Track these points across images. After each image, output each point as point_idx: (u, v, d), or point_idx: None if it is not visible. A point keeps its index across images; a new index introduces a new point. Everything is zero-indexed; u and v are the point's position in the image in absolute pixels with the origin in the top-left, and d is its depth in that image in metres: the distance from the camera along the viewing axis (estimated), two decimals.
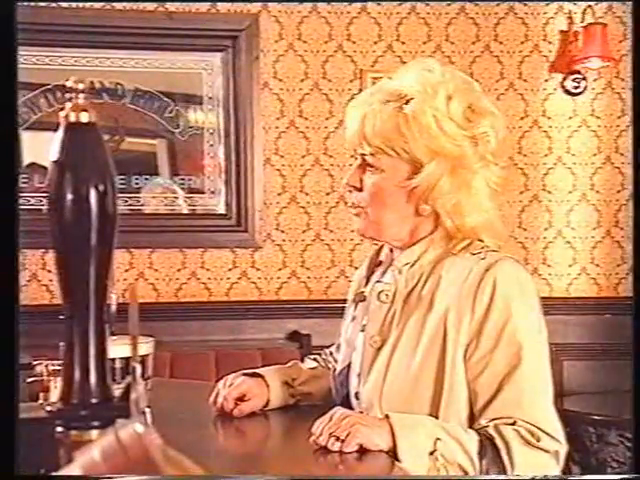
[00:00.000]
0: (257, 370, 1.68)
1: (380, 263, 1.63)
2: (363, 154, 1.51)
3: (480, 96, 1.54)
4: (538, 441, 1.37)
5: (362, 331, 1.56)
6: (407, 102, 1.47)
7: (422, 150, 1.46)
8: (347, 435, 1.30)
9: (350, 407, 1.53)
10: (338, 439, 1.30)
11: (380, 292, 1.54)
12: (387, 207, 1.51)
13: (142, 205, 3.46)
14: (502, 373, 1.40)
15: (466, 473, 1.34)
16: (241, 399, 1.59)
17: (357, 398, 1.54)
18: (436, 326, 1.44)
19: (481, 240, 1.51)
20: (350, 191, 1.56)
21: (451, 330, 1.42)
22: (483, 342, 1.42)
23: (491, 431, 1.37)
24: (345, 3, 3.53)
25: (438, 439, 1.33)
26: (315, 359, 1.81)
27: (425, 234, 1.53)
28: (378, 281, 1.57)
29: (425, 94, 1.47)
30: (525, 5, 3.63)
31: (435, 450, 1.32)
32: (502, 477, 1.35)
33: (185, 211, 3.53)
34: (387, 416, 1.36)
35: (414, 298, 1.49)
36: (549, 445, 1.38)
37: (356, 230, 1.59)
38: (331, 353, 1.79)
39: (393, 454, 1.31)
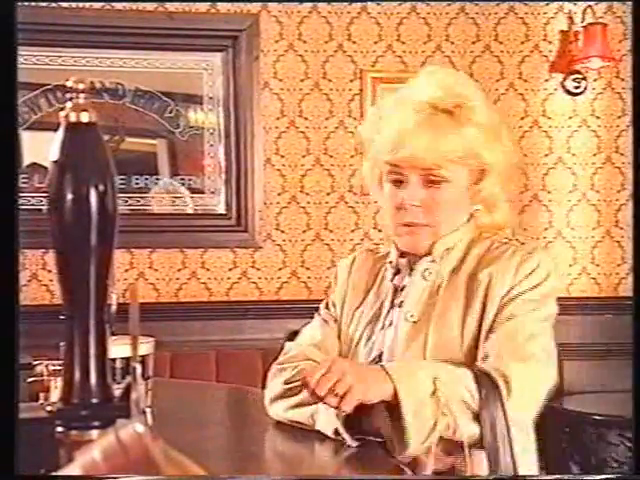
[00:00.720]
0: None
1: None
2: (429, 170, 1.49)
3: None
4: (530, 344, 1.41)
5: (399, 307, 1.55)
6: (465, 110, 1.49)
7: (493, 156, 1.51)
8: (345, 392, 1.30)
9: None
10: (337, 395, 1.30)
11: (424, 270, 1.55)
12: (449, 216, 1.54)
13: (142, 205, 3.46)
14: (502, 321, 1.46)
15: (470, 409, 1.35)
16: None
17: None
18: (476, 301, 1.48)
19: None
20: (412, 207, 1.53)
21: (489, 304, 1.46)
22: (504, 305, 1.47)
23: (485, 367, 1.40)
24: (345, 3, 3.52)
25: (436, 378, 1.34)
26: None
27: (459, 225, 1.57)
28: (421, 259, 1.56)
29: (481, 101, 1.52)
30: (525, 5, 3.62)
31: (436, 389, 1.33)
32: (506, 476, 1.34)
33: (190, 211, 3.53)
34: (382, 367, 1.36)
35: (455, 275, 1.52)
36: (541, 356, 1.43)
37: (409, 249, 1.56)
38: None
39: (395, 403, 1.31)
